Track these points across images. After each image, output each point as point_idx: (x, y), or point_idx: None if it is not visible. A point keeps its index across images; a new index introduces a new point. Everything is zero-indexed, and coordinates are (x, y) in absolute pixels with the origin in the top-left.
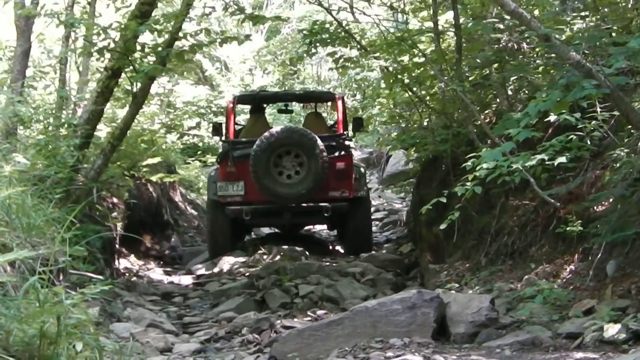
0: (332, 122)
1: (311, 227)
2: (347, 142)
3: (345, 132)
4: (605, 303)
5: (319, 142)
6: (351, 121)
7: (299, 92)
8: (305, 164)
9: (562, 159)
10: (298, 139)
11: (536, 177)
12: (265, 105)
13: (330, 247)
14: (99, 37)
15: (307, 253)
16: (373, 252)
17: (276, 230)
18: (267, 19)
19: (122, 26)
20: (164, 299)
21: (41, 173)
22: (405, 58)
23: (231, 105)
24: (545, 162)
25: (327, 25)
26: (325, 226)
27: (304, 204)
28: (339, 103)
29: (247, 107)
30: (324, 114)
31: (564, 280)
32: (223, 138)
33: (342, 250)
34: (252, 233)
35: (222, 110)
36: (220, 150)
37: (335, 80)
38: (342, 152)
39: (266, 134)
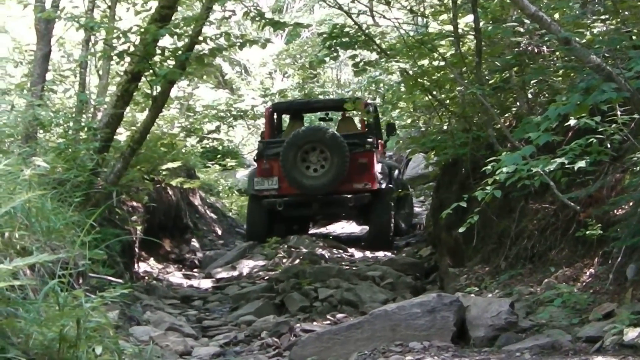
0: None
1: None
2: (369, 140)
3: (367, 131)
4: (625, 307)
5: (341, 139)
6: (384, 127)
7: (330, 100)
8: (329, 159)
9: (582, 163)
10: (321, 136)
11: (556, 180)
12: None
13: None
14: (119, 40)
15: (326, 256)
16: (393, 255)
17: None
18: (288, 25)
19: (142, 30)
20: (183, 302)
21: (61, 177)
22: (425, 61)
23: (269, 111)
24: (565, 166)
25: (347, 29)
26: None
27: (330, 195)
28: (362, 107)
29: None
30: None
31: (584, 283)
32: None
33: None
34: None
35: (241, 113)
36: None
37: (354, 83)
38: (364, 148)
39: (294, 132)
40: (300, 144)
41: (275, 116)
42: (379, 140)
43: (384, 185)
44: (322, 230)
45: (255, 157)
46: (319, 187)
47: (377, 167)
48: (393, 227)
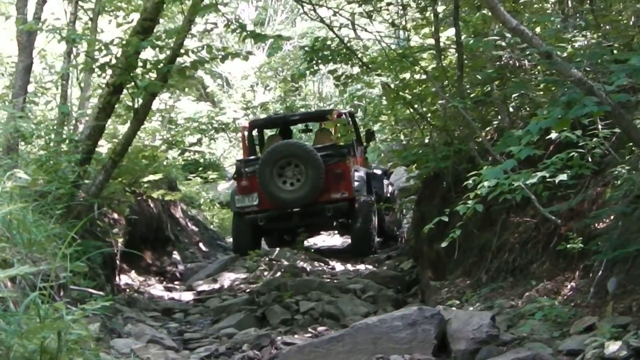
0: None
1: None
2: (342, 150)
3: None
4: (606, 320)
5: (314, 152)
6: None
7: (303, 113)
8: (304, 172)
9: (563, 177)
10: (294, 150)
11: (537, 194)
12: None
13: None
14: (100, 53)
15: (308, 269)
16: (374, 268)
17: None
18: (269, 38)
19: (124, 42)
20: (164, 315)
21: (42, 189)
22: (407, 75)
23: (245, 129)
24: (546, 180)
25: (329, 42)
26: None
27: (309, 206)
28: (335, 118)
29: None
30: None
31: (565, 297)
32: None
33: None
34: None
35: (222, 126)
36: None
37: (336, 96)
38: (339, 159)
39: (268, 149)
40: (275, 160)
41: (254, 133)
42: (360, 148)
43: (362, 193)
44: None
45: (235, 176)
46: (296, 200)
47: (355, 176)
48: (376, 233)
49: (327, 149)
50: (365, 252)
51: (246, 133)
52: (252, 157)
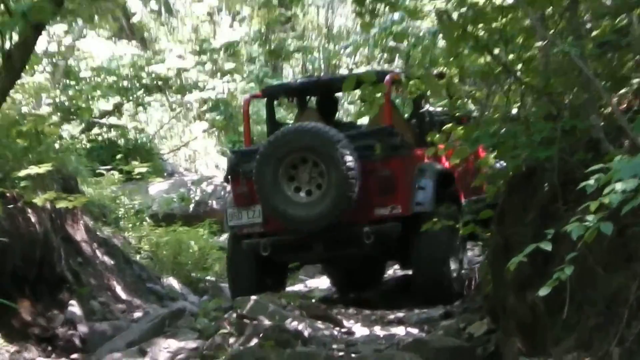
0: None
1: None
2: (392, 138)
3: (392, 125)
4: None
5: (342, 141)
6: None
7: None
8: (326, 175)
9: None
10: (309, 141)
11: None
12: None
13: None
14: None
15: (305, 334)
16: (422, 334)
17: None
18: None
19: None
20: None
21: None
22: None
23: (248, 102)
24: None
25: None
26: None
27: (338, 229)
28: (387, 86)
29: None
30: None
31: None
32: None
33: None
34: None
35: (159, 83)
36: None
37: (356, 33)
38: (387, 152)
39: (271, 137)
40: (281, 156)
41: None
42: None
43: (428, 207)
44: (299, 285)
45: (228, 176)
46: (315, 220)
47: (416, 179)
48: (456, 268)
49: (367, 137)
50: (439, 297)
51: (257, 107)
52: (255, 148)
